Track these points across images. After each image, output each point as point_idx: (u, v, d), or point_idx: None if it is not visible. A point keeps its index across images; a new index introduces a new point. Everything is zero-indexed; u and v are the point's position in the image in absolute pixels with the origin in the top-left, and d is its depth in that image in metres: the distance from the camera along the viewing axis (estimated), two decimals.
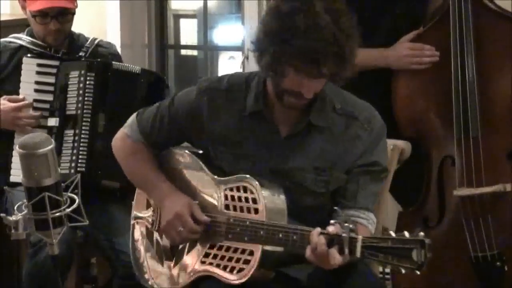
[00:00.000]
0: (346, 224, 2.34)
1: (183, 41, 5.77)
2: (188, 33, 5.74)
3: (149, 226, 2.83)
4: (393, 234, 2.28)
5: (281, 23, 2.45)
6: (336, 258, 2.33)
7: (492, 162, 3.24)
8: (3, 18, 4.34)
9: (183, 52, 5.81)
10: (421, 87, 3.27)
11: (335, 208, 2.57)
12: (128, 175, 2.86)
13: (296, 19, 2.42)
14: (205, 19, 5.25)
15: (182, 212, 2.65)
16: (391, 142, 2.95)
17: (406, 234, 2.26)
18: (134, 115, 2.84)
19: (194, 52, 5.82)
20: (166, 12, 5.34)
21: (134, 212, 2.90)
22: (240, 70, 4.68)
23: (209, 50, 5.49)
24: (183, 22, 5.74)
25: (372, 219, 2.62)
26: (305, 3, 2.43)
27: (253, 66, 4.60)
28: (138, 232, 2.88)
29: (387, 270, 3.36)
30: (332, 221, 2.40)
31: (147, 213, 2.84)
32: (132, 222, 2.90)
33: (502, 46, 3.26)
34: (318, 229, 2.40)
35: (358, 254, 2.30)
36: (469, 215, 3.24)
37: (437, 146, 3.30)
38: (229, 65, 5.45)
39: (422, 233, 2.25)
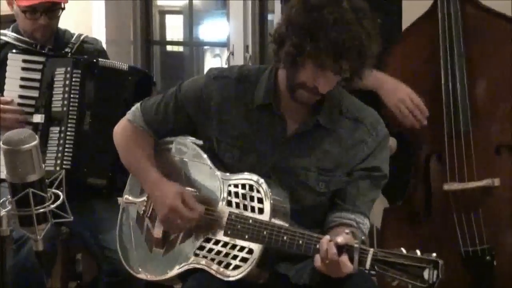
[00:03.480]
0: (359, 234, 2.37)
1: (168, 37, 5.77)
2: (174, 29, 5.75)
3: (141, 212, 2.82)
4: (404, 250, 2.28)
5: (309, 16, 2.45)
6: (347, 266, 2.33)
7: (481, 157, 3.26)
8: None
9: (169, 48, 5.82)
10: (409, 83, 3.27)
11: (339, 207, 2.58)
12: (122, 160, 2.85)
13: (324, 12, 2.43)
14: (190, 16, 5.26)
15: (175, 204, 2.63)
16: None
17: (418, 252, 2.27)
18: (139, 103, 2.83)
19: (180, 48, 5.83)
20: (151, 8, 5.34)
21: (126, 196, 2.88)
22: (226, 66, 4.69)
23: (195, 46, 5.50)
24: (168, 18, 5.74)
25: (367, 225, 2.63)
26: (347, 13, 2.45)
27: (238, 63, 4.63)
28: (128, 216, 2.86)
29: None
30: (346, 231, 2.39)
31: (140, 199, 2.82)
32: (123, 205, 2.88)
33: (490, 42, 3.27)
34: (328, 237, 2.39)
35: (367, 266, 2.31)
36: (459, 210, 3.26)
37: (426, 141, 3.31)
38: (214, 62, 5.46)
39: (434, 254, 2.26)
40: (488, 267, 3.26)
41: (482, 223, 3.24)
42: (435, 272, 2.23)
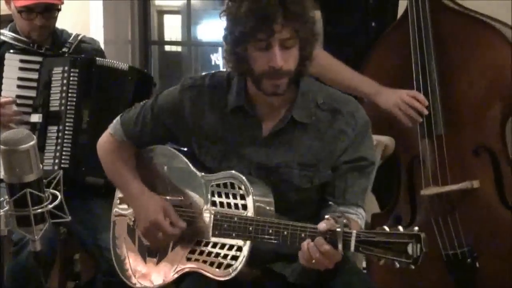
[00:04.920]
0: (340, 219, 2.33)
1: (167, 37, 5.76)
2: (172, 29, 5.74)
3: (131, 223, 2.82)
4: (387, 228, 2.27)
5: (229, 10, 2.51)
6: (331, 253, 2.32)
7: (457, 160, 3.25)
8: None
9: (167, 48, 5.81)
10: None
11: (330, 203, 2.54)
12: (106, 173, 2.88)
13: None
14: (188, 15, 5.25)
15: (158, 219, 2.66)
16: (374, 138, 2.94)
17: (401, 228, 2.25)
18: (119, 115, 2.85)
19: (178, 48, 5.81)
20: (149, 8, 5.34)
21: (115, 209, 2.89)
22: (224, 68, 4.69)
23: (193, 46, 5.49)
24: (167, 18, 5.73)
25: (362, 214, 2.62)
26: None
27: None
28: (119, 229, 2.87)
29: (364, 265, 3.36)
30: (326, 216, 2.38)
31: (129, 210, 2.83)
32: (113, 219, 2.89)
33: (462, 44, 3.26)
34: (307, 241, 2.38)
35: (352, 248, 2.29)
36: (437, 214, 3.25)
37: (405, 146, 3.30)
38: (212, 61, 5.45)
39: (416, 228, 2.25)
40: (470, 270, 3.25)
41: (460, 226, 3.23)
42: (418, 246, 2.21)
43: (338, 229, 2.30)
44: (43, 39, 3.66)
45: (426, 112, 3.19)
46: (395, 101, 3.19)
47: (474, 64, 3.24)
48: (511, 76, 3.18)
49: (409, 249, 2.21)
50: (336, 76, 3.24)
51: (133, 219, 2.81)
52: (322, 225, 2.35)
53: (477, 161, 3.26)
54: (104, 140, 2.86)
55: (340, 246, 2.30)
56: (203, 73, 2.80)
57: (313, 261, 2.35)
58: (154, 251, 2.75)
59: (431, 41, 3.22)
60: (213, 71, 2.75)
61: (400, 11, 3.43)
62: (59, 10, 3.64)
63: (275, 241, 2.45)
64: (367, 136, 2.64)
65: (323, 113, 2.60)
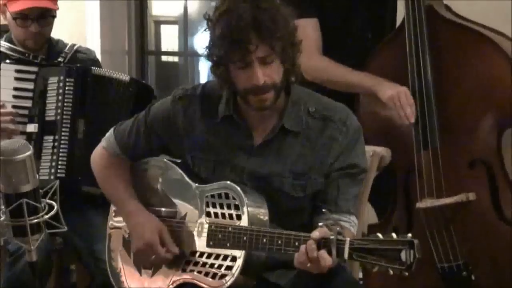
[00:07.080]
0: (334, 226, 2.34)
1: (163, 47, 5.76)
2: (169, 39, 5.74)
3: (126, 235, 2.82)
4: (380, 235, 2.27)
5: (208, 29, 2.53)
6: (326, 259, 2.31)
7: (453, 172, 3.23)
8: None
9: (164, 58, 5.81)
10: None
11: (323, 210, 2.54)
12: (101, 188, 2.88)
13: (213, 18, 2.50)
14: (185, 25, 5.26)
15: (153, 241, 2.66)
16: (370, 149, 2.94)
17: (394, 235, 2.25)
18: (112, 128, 2.85)
19: (175, 59, 5.82)
20: (146, 18, 5.34)
21: (111, 222, 2.89)
22: None
23: (190, 56, 5.49)
24: (163, 28, 5.74)
25: (354, 222, 2.61)
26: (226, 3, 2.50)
27: None
28: (115, 242, 2.87)
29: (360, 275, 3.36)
30: (320, 224, 2.39)
31: (124, 223, 2.82)
32: (108, 231, 2.89)
33: (458, 56, 3.25)
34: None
35: (345, 256, 2.29)
36: (432, 227, 3.24)
37: (401, 158, 3.28)
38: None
39: (410, 234, 2.24)
40: (466, 283, 3.23)
41: (455, 238, 3.22)
42: (412, 252, 2.21)
43: (332, 237, 2.31)
44: (39, 47, 3.66)
45: (412, 120, 3.19)
46: (392, 94, 3.19)
47: (470, 76, 3.24)
48: (507, 88, 3.18)
49: (403, 255, 2.21)
50: (336, 75, 3.25)
51: (128, 232, 2.81)
52: (315, 234, 2.34)
53: (473, 174, 3.25)
54: (98, 155, 2.86)
55: (334, 253, 2.30)
56: (196, 84, 2.81)
57: (308, 264, 2.35)
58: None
59: (428, 52, 3.22)
60: (205, 81, 2.76)
61: (398, 21, 3.44)
62: (54, 16, 3.64)
63: (270, 251, 2.46)
64: (359, 143, 2.64)
65: (315, 121, 2.60)
